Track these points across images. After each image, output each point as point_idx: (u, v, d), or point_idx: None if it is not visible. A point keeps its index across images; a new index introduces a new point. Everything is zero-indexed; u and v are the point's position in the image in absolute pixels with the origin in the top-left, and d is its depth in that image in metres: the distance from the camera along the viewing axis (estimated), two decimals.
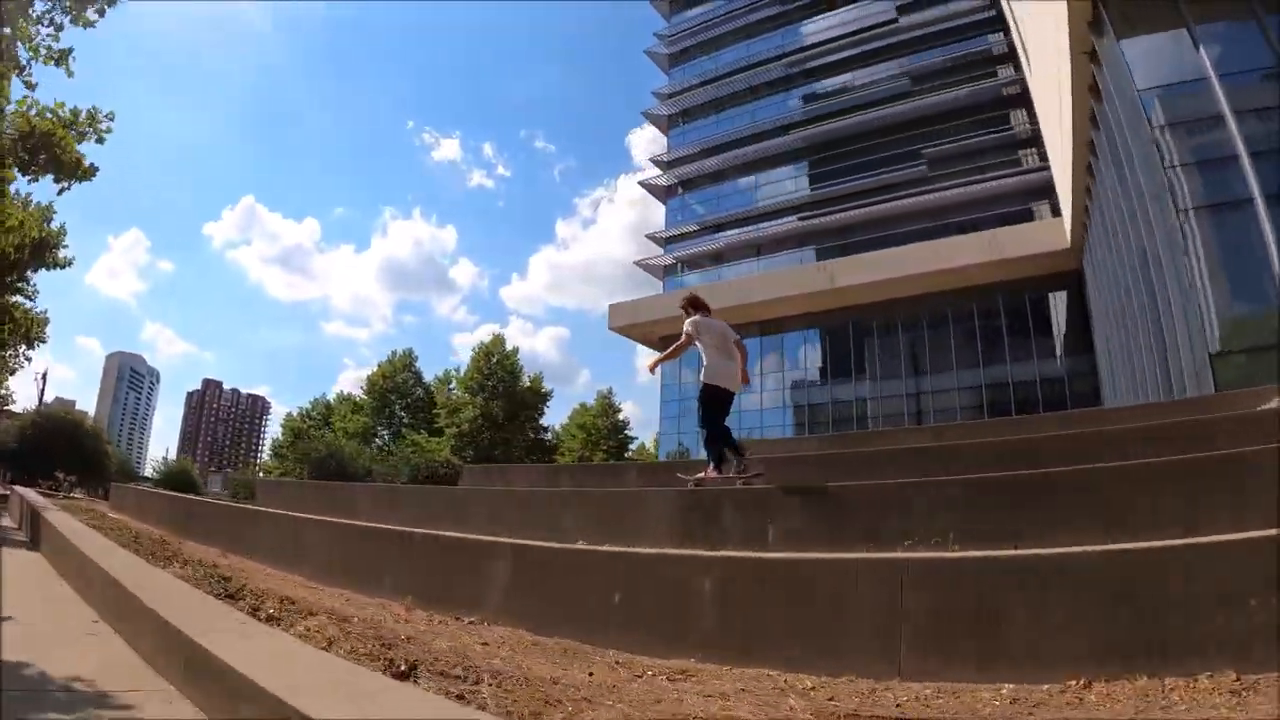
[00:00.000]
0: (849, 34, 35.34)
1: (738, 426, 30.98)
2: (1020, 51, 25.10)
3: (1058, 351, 26.88)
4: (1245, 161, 11.24)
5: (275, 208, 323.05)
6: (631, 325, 32.05)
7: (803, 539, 4.43)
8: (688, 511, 5.25)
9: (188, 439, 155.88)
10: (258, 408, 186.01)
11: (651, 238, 38.55)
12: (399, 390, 47.25)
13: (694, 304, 6.46)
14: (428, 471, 33.95)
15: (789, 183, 34.88)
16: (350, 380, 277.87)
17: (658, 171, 40.16)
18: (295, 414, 59.85)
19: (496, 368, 41.72)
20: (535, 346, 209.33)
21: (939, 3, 33.87)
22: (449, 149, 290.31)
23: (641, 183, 39.52)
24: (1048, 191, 28.47)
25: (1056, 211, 27.38)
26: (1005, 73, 32.27)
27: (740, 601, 3.42)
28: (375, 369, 48.90)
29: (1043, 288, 26.83)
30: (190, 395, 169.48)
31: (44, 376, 39.48)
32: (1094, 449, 5.65)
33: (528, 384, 42.33)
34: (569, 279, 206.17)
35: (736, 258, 35.17)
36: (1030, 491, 4.17)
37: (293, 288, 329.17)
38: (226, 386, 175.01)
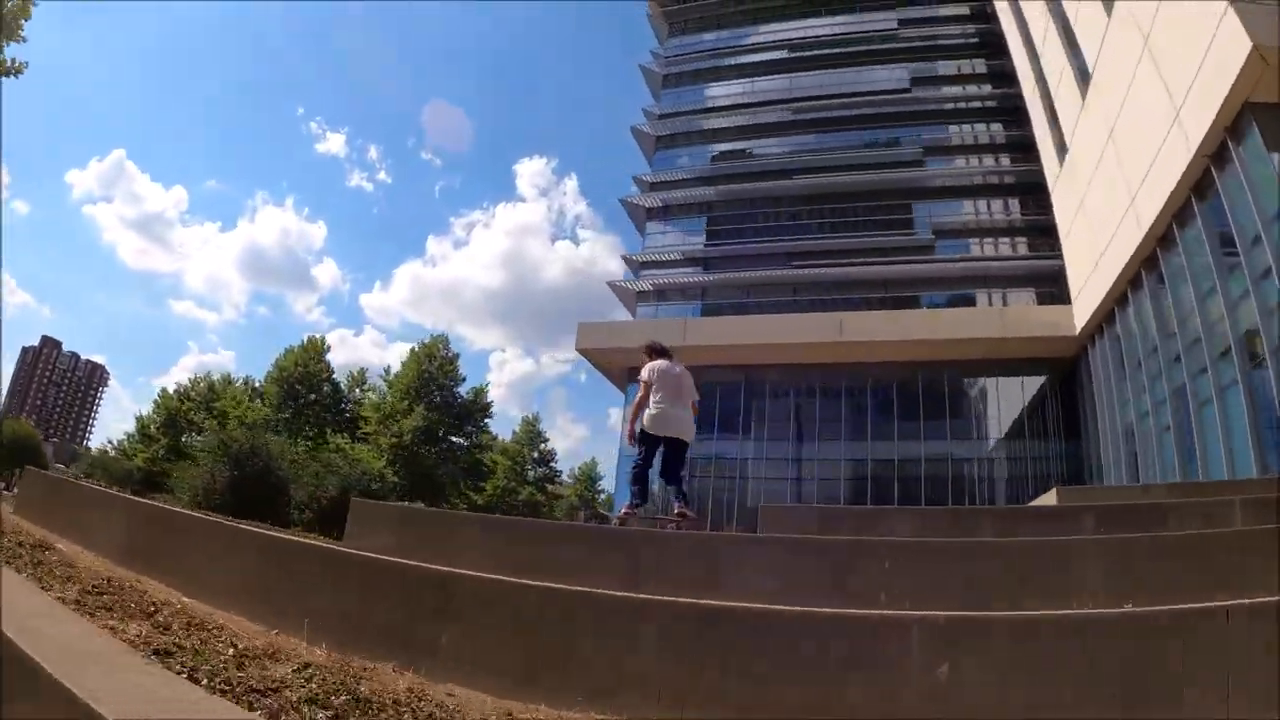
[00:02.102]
0: (859, 93, 34.64)
1: None
2: (1050, 144, 25.09)
3: (1047, 431, 26.80)
4: None
5: (146, 168, 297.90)
6: (601, 349, 29.57)
7: None
8: None
9: (15, 398, 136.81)
10: (96, 377, 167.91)
11: (627, 260, 36.08)
12: (307, 382, 41.40)
13: (652, 350, 6.43)
14: (359, 486, 29.30)
15: (782, 228, 33.59)
16: (193, 364, 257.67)
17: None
18: (172, 391, 52.61)
19: (437, 373, 36.46)
20: (387, 359, 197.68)
21: (953, 83, 34.00)
22: (335, 143, 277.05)
23: (622, 200, 37.27)
24: (1034, 280, 28.98)
25: (1047, 299, 27.93)
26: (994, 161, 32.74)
27: None
28: (286, 353, 42.71)
29: (1036, 370, 27.05)
30: (26, 351, 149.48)
31: None
32: None
33: (471, 395, 37.56)
34: (431, 297, 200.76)
35: (720, 296, 33.37)
36: None
37: (146, 256, 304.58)
38: (66, 349, 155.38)
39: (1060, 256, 27.86)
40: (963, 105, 35.06)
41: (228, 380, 52.06)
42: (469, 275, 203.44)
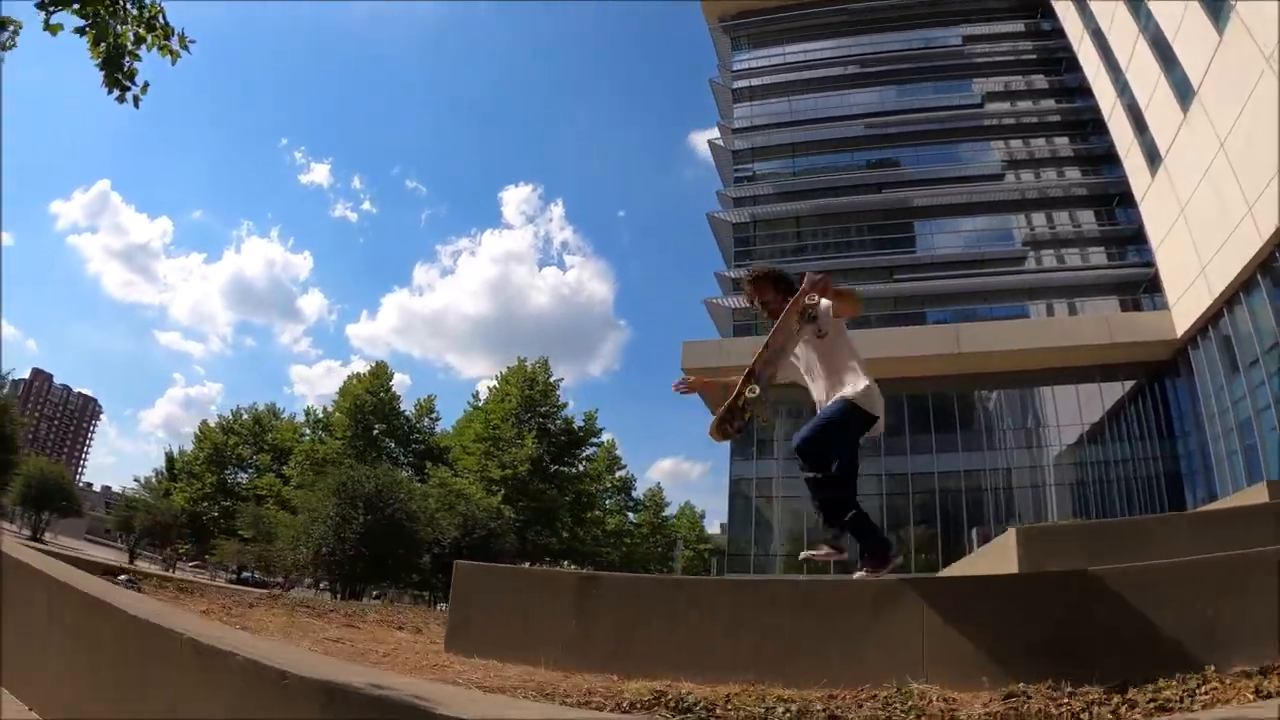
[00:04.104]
0: (931, 108, 37.94)
1: None
2: (1139, 155, 26.85)
3: (1147, 432, 29.05)
4: None
5: (131, 199, 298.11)
6: (710, 368, 30.50)
7: None
8: None
9: None
10: (88, 410, 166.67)
11: (719, 277, 37.30)
12: (379, 412, 41.45)
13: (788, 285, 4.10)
14: (480, 526, 28.57)
15: (874, 243, 35.74)
16: (179, 397, 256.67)
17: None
18: (213, 424, 52.16)
19: (540, 398, 36.91)
20: None
21: (1023, 97, 35.81)
22: (319, 174, 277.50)
23: (709, 215, 38.35)
24: (1119, 288, 30.58)
25: (1129, 306, 29.38)
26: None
27: None
28: (353, 380, 42.76)
29: (1132, 375, 29.39)
30: (16, 384, 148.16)
31: None
32: None
33: (581, 421, 37.93)
34: (417, 326, 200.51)
35: None
36: None
37: (131, 287, 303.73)
38: (57, 381, 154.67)
39: (1144, 264, 29.60)
40: (1031, 120, 36.97)
41: (273, 412, 51.65)
42: (456, 303, 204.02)
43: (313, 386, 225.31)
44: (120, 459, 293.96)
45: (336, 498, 25.28)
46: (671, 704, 2.84)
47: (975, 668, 3.00)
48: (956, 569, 9.40)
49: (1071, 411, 30.34)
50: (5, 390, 31.12)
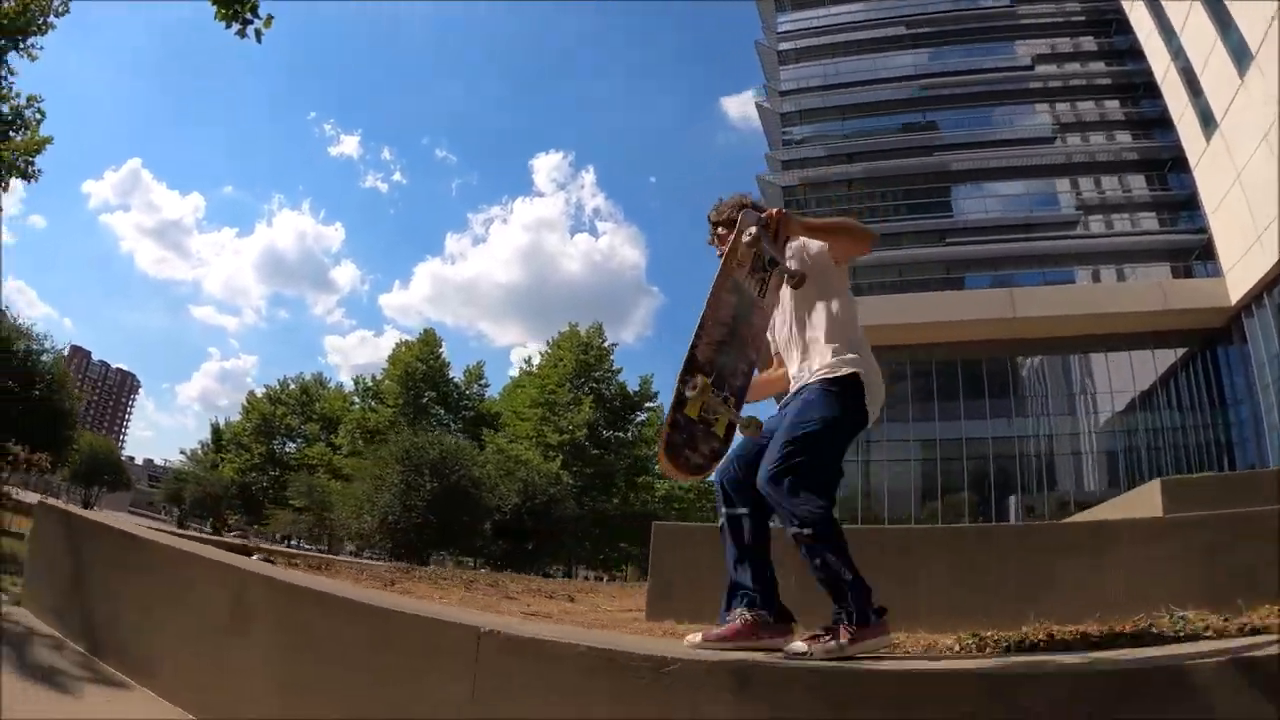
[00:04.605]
0: (979, 70, 37.98)
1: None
2: (1192, 120, 26.88)
3: (1198, 402, 29.23)
4: None
5: (162, 176, 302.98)
6: None
7: None
8: None
9: None
10: (126, 385, 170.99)
11: None
12: (430, 380, 42.40)
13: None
14: (540, 493, 28.51)
15: (925, 206, 36.53)
16: (215, 370, 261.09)
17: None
18: (260, 394, 53.46)
19: (595, 362, 37.36)
20: None
21: (1073, 60, 35.66)
22: (349, 145, 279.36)
23: (759, 178, 38.76)
24: (1171, 254, 30.81)
25: (1181, 273, 29.50)
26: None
27: None
28: (402, 348, 43.68)
29: (1186, 342, 29.58)
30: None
31: None
32: None
33: (636, 386, 38.25)
34: (450, 294, 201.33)
35: (867, 276, 34.34)
36: None
37: (165, 264, 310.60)
38: (95, 358, 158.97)
39: (1196, 230, 29.73)
40: (1081, 83, 36.87)
41: (320, 382, 52.71)
42: (488, 271, 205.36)
43: (346, 356, 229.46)
44: (159, 432, 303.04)
45: (401, 465, 25.35)
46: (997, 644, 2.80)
47: (1198, 595, 3.32)
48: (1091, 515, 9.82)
49: (1123, 378, 30.60)
50: (51, 360, 31.89)
